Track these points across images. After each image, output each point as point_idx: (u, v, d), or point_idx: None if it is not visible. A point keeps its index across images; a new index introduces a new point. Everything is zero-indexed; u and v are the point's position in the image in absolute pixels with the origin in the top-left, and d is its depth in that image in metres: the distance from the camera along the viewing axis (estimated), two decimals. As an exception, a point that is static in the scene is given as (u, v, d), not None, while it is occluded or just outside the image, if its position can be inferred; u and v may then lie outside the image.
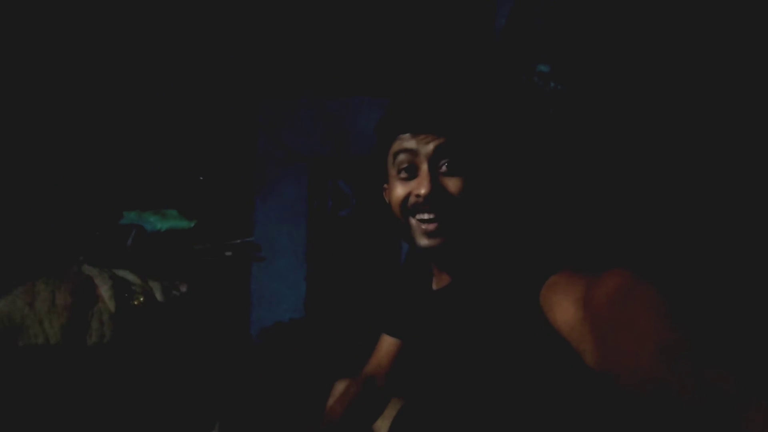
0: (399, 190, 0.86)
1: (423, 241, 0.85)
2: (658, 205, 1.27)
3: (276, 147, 2.39)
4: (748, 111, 1.21)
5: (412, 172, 0.85)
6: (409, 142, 0.84)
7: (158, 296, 1.66)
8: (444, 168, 0.83)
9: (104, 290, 1.57)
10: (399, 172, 0.86)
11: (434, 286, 0.97)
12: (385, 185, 0.93)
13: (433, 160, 0.82)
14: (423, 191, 0.81)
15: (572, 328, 0.63)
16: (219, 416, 1.61)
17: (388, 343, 1.11)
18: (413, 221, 0.85)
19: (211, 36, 2.11)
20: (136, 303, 1.60)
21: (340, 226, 2.33)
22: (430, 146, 0.82)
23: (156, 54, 2.06)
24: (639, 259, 1.20)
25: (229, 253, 1.90)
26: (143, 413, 1.54)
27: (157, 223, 1.80)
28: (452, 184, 0.82)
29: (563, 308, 0.65)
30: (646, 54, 1.38)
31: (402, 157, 0.84)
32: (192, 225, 1.83)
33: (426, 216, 0.83)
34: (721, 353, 0.48)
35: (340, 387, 1.23)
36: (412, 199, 0.84)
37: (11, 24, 1.75)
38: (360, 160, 2.22)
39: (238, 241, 1.93)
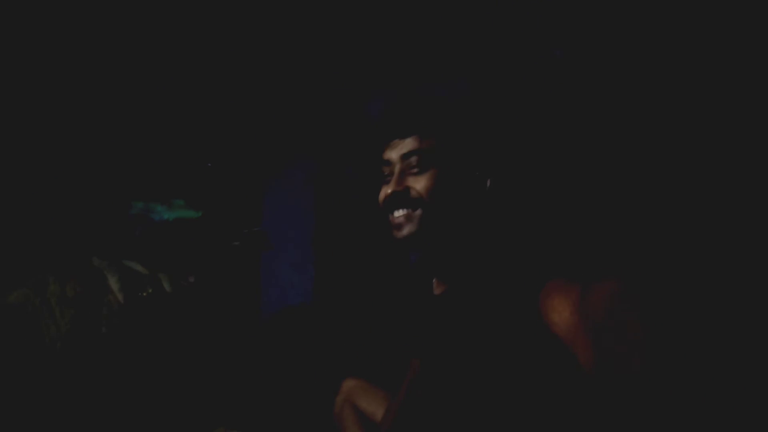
0: (380, 193, 0.95)
1: (395, 233, 0.92)
2: (652, 212, 1.27)
3: (284, 134, 2.36)
4: (747, 114, 1.19)
5: (391, 176, 0.93)
6: (387, 152, 0.93)
7: (166, 287, 1.67)
8: (414, 168, 0.90)
9: (113, 282, 1.58)
10: (383, 178, 0.95)
11: (435, 291, 1.00)
12: None
13: (404, 161, 0.91)
14: (389, 189, 0.90)
15: (568, 331, 0.66)
16: (228, 409, 1.62)
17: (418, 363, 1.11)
18: (389, 218, 0.93)
19: (216, 26, 2.08)
20: (144, 294, 1.61)
21: (349, 212, 2.32)
22: (400, 149, 0.91)
23: (162, 44, 2.03)
24: (633, 267, 1.22)
25: (236, 243, 1.90)
26: (153, 403, 1.55)
27: (165, 213, 1.80)
28: (419, 181, 0.89)
29: (560, 312, 0.68)
30: (644, 57, 1.35)
31: (383, 165, 0.94)
32: (199, 215, 1.83)
33: (397, 212, 0.91)
34: (711, 358, 0.51)
35: (348, 384, 1.24)
36: (385, 199, 0.92)
37: (28, 8, 1.72)
38: (368, 147, 2.20)
39: (246, 230, 1.93)
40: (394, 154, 0.92)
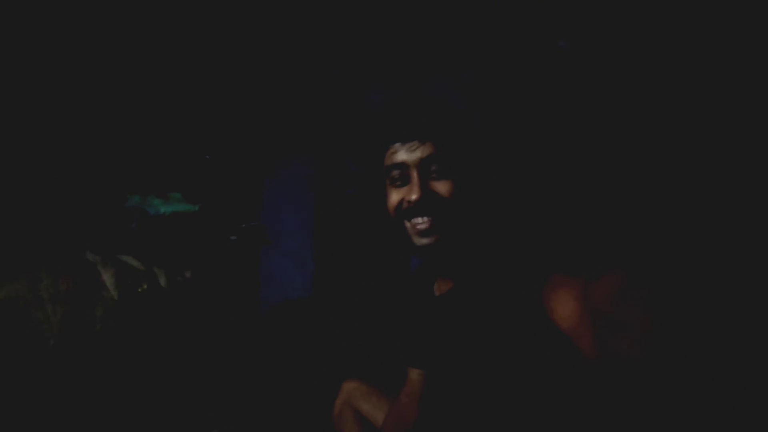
0: (393, 197, 0.90)
1: (418, 240, 0.88)
2: (656, 205, 1.27)
3: (284, 127, 2.33)
4: (748, 110, 1.18)
5: (404, 180, 0.89)
6: (398, 154, 0.88)
7: (162, 282, 1.64)
8: (434, 173, 0.87)
9: (107, 277, 1.55)
10: (393, 181, 0.90)
11: (436, 292, 0.99)
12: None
13: (422, 166, 0.87)
14: (414, 197, 0.86)
15: (572, 325, 0.67)
16: (224, 410, 1.60)
17: (416, 374, 1.10)
18: (408, 224, 0.89)
19: (214, 19, 2.04)
20: (140, 290, 1.58)
21: (348, 204, 2.30)
22: (418, 153, 0.87)
23: (158, 35, 1.99)
24: (636, 259, 1.22)
25: (234, 237, 1.87)
26: (147, 403, 1.53)
27: (161, 206, 1.77)
28: (442, 188, 0.87)
29: (564, 306, 0.69)
30: (646, 55, 1.33)
31: (394, 169, 0.89)
32: (196, 208, 1.79)
33: (420, 219, 0.87)
34: (717, 351, 0.51)
35: (348, 386, 1.21)
36: (404, 205, 0.88)
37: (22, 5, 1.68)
38: (370, 143, 2.16)
39: (245, 225, 1.90)
40: (410, 157, 0.87)
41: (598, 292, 0.61)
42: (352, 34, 2.10)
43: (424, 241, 0.87)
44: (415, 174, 0.87)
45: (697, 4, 1.28)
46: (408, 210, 0.87)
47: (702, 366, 0.51)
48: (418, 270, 1.10)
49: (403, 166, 0.88)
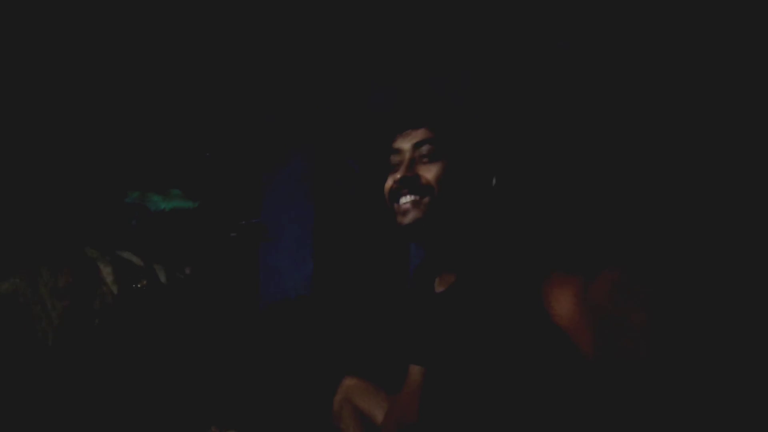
0: (387, 182, 0.94)
1: (400, 219, 0.90)
2: (653, 202, 1.28)
3: (284, 124, 2.33)
4: (748, 109, 1.19)
5: (399, 165, 0.93)
6: (396, 143, 0.93)
7: (162, 279, 1.63)
8: (425, 157, 0.90)
9: (107, 273, 1.55)
10: (390, 167, 0.94)
11: (437, 289, 1.00)
12: None
13: (414, 150, 0.91)
14: (398, 175, 0.90)
15: (571, 322, 0.68)
16: (222, 406, 1.60)
17: (417, 371, 1.10)
18: (396, 206, 0.92)
19: (215, 16, 2.03)
20: (139, 286, 1.58)
21: (348, 202, 2.30)
22: (411, 138, 0.92)
23: (158, 32, 1.99)
24: (634, 256, 1.23)
25: (234, 234, 1.87)
26: (145, 400, 1.53)
27: (161, 202, 1.77)
28: (431, 169, 0.89)
29: (563, 303, 0.70)
30: (645, 55, 1.34)
31: (392, 156, 0.94)
32: (196, 205, 1.79)
33: (404, 199, 0.90)
34: (713, 346, 0.52)
35: (347, 383, 1.21)
36: (394, 186, 0.91)
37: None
38: (372, 138, 2.17)
39: (244, 222, 1.90)
40: (404, 144, 0.92)
41: (596, 290, 0.62)
42: (352, 33, 2.10)
43: (405, 219, 0.89)
44: (406, 157, 0.91)
45: (696, 4, 1.28)
46: (396, 190, 0.90)
47: (701, 362, 0.51)
48: (418, 267, 1.10)
49: (398, 151, 0.93)
